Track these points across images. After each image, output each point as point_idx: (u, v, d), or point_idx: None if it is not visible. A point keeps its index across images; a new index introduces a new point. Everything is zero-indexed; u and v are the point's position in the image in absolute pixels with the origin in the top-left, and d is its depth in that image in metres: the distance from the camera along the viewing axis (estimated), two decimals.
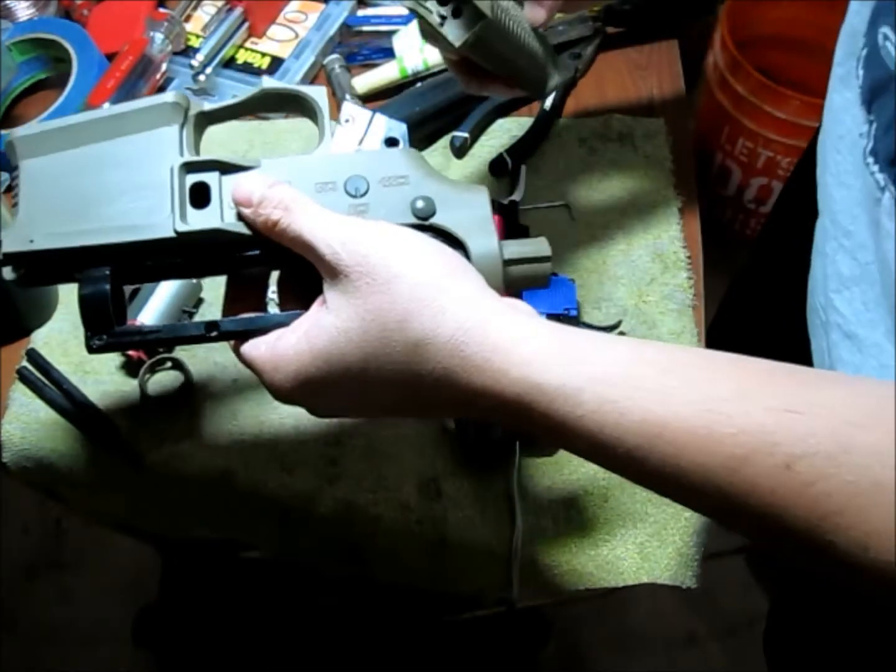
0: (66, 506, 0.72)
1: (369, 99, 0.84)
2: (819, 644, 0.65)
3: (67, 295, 0.72)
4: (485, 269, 0.43)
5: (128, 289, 0.68)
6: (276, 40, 0.90)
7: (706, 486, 0.34)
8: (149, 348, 0.68)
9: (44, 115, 0.80)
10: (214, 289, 0.73)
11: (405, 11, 0.89)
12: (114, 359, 0.70)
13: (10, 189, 0.54)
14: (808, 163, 0.59)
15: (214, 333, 0.44)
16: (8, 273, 0.46)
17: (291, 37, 0.90)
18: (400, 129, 0.49)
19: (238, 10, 0.89)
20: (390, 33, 0.88)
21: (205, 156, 0.46)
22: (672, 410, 0.34)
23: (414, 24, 0.68)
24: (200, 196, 0.45)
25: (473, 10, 0.47)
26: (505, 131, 0.82)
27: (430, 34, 0.51)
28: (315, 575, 0.87)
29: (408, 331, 0.38)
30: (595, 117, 0.82)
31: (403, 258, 0.39)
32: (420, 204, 0.45)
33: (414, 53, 0.84)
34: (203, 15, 0.92)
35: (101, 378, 0.69)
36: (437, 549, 0.64)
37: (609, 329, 0.70)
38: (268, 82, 0.48)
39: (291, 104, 0.49)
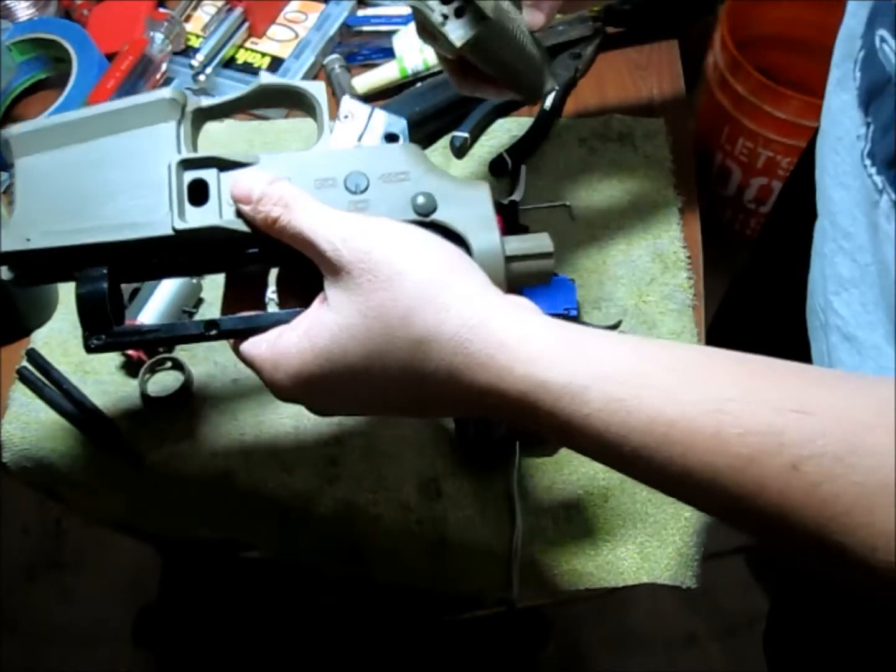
0: (66, 506, 0.72)
1: (369, 99, 0.84)
2: (819, 644, 0.65)
3: (67, 295, 0.72)
4: (487, 266, 0.42)
5: (127, 289, 0.68)
6: (276, 40, 0.90)
7: (713, 485, 0.34)
8: (148, 348, 0.67)
9: (44, 115, 0.80)
10: (214, 289, 0.72)
11: (405, 11, 0.89)
12: (114, 359, 0.70)
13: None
14: (807, 163, 0.59)
15: (214, 332, 0.44)
16: (5, 272, 0.45)
17: (291, 37, 0.90)
18: (399, 125, 0.48)
19: (238, 10, 0.89)
20: (390, 33, 0.88)
21: (203, 152, 0.45)
22: (679, 409, 0.34)
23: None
24: (199, 193, 0.44)
25: (476, 11, 0.47)
26: (505, 131, 0.82)
27: (429, 33, 0.50)
28: (315, 575, 0.87)
29: (411, 328, 0.38)
30: (595, 117, 0.82)
31: (406, 255, 0.39)
32: (421, 200, 0.44)
33: (414, 53, 0.84)
34: (203, 15, 0.92)
35: (101, 378, 0.69)
36: (437, 549, 0.63)
37: (609, 329, 0.70)
38: (265, 77, 0.47)
39: (290, 99, 0.48)
